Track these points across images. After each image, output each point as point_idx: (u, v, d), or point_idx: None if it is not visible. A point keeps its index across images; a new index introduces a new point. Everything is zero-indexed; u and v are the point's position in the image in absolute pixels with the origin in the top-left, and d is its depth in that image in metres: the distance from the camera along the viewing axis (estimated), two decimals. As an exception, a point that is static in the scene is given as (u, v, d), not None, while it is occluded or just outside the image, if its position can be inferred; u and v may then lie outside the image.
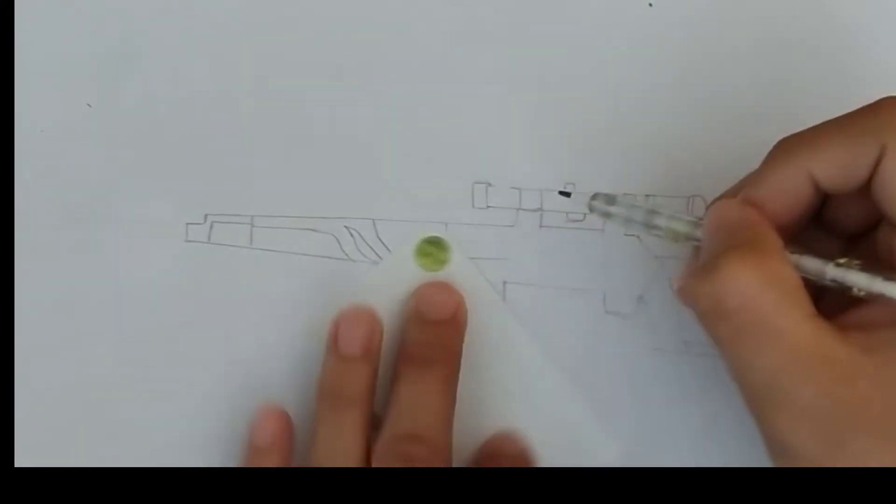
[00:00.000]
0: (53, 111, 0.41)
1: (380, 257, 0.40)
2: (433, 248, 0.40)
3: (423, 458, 0.36)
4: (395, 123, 0.41)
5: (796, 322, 0.31)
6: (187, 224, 0.40)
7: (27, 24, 0.41)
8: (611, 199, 0.36)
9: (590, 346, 0.40)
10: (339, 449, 0.37)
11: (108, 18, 0.41)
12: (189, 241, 0.40)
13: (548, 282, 0.40)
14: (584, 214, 0.40)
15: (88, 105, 0.41)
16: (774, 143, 0.35)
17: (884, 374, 0.31)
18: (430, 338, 0.39)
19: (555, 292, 0.40)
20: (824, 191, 0.33)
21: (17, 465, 0.38)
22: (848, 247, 0.35)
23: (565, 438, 0.40)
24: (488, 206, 0.41)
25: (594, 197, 0.37)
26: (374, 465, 0.37)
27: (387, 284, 0.40)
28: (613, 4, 0.40)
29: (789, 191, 0.33)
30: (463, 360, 0.39)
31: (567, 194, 0.38)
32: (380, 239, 0.40)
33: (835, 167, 0.33)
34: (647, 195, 0.40)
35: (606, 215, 0.36)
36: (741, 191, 0.34)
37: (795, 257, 0.33)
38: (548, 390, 0.40)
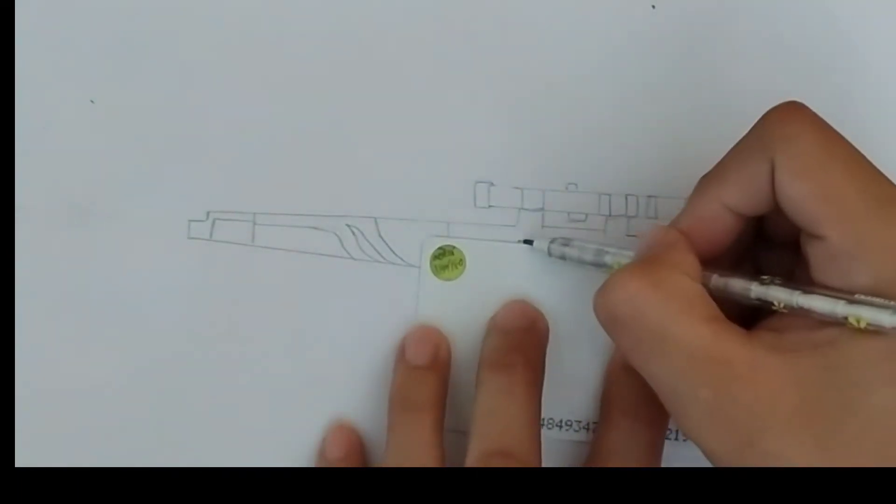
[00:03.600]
0: (56, 107, 0.41)
1: (382, 256, 0.40)
2: (448, 259, 0.40)
3: None
4: (398, 122, 0.41)
5: (690, 326, 0.31)
6: (189, 221, 0.40)
7: (28, 20, 0.41)
8: (566, 242, 0.39)
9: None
10: (413, 450, 0.38)
11: (111, 13, 0.41)
12: (191, 238, 0.41)
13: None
14: (586, 215, 0.40)
15: (91, 101, 0.41)
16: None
17: (794, 371, 0.31)
18: (512, 343, 0.39)
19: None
20: (744, 215, 0.34)
21: (17, 465, 0.38)
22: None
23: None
24: (490, 206, 0.40)
25: (553, 241, 0.39)
26: None
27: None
28: (616, 5, 0.40)
29: (708, 220, 0.34)
30: None
31: (529, 242, 0.40)
32: (381, 237, 0.40)
33: (739, 193, 0.33)
34: (649, 196, 0.40)
35: (562, 257, 0.39)
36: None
37: (724, 280, 0.33)
38: None
